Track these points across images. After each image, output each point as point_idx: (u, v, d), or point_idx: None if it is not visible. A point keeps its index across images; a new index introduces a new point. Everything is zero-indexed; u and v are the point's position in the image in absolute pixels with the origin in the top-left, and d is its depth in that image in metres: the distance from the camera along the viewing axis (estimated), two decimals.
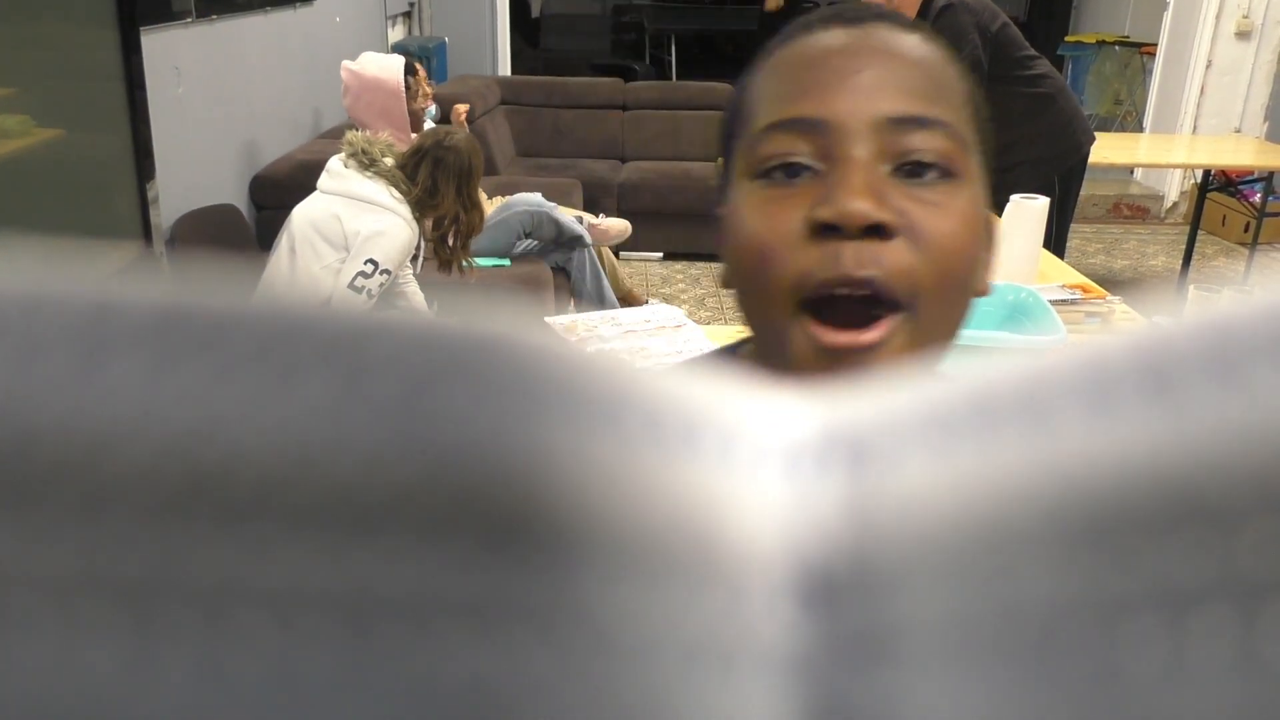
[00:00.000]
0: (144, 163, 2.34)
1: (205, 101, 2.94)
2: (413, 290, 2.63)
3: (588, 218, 3.59)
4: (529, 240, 3.33)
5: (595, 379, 0.15)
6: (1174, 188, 5.71)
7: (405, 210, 2.44)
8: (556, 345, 0.15)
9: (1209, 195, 4.49)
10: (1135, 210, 5.77)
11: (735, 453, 0.15)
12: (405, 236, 2.44)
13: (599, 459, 0.14)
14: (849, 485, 0.15)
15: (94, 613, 0.13)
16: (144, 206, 2.35)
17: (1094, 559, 0.14)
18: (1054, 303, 1.63)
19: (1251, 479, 0.13)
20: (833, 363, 0.51)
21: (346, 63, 3.18)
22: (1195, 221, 4.42)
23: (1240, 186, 4.59)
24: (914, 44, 0.54)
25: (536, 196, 3.38)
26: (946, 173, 0.52)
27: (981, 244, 0.54)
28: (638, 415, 0.15)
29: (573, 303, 3.37)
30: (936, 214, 0.51)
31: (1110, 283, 2.82)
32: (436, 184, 2.46)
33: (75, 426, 0.13)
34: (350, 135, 2.50)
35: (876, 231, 0.49)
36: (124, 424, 0.13)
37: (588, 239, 3.40)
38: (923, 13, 2.80)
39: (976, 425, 0.15)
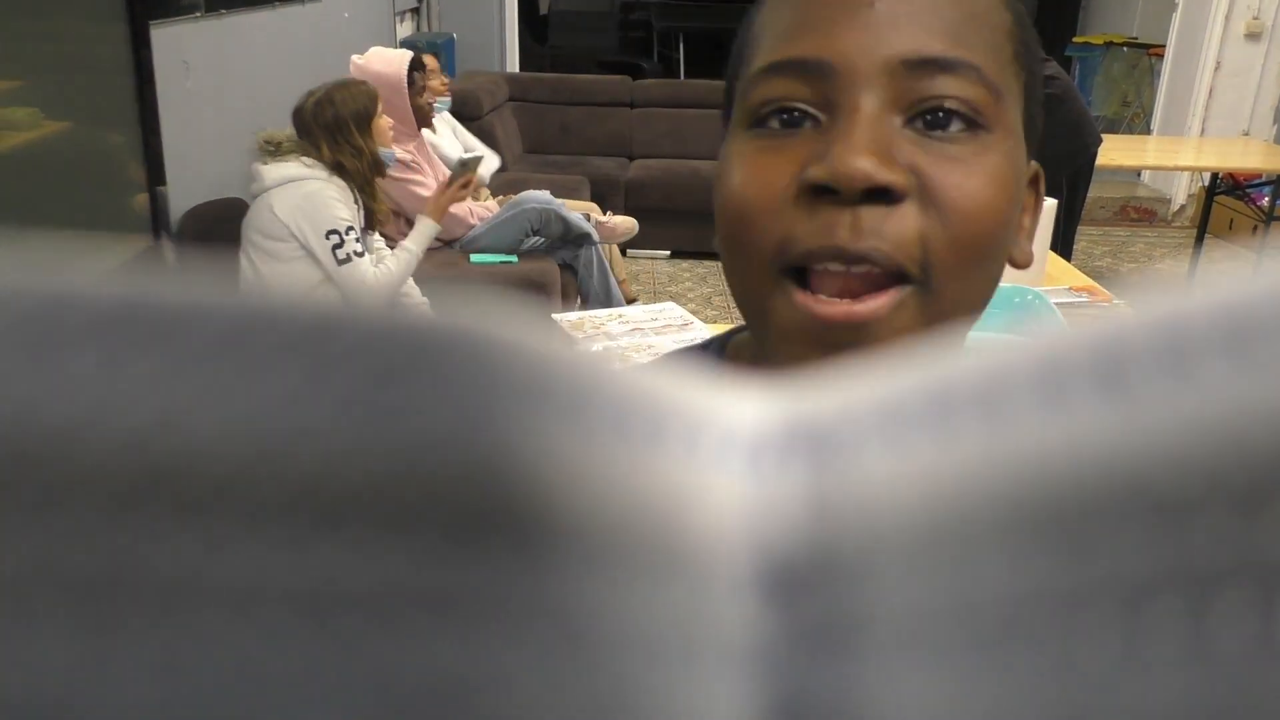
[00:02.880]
0: (152, 156, 2.35)
1: (214, 96, 2.94)
2: (391, 258, 2.61)
3: (595, 215, 3.59)
4: (536, 237, 3.34)
5: (561, 372, 0.15)
6: (1181, 190, 5.69)
7: (320, 170, 2.44)
8: (522, 339, 0.15)
9: (1216, 198, 4.48)
10: (1142, 213, 5.75)
11: (699, 446, 0.15)
12: (328, 190, 2.43)
13: (564, 452, 0.14)
14: (811, 478, 0.15)
15: (51, 608, 0.13)
16: (152, 200, 2.37)
17: (1050, 551, 0.14)
18: (1060, 305, 1.62)
19: (1203, 471, 0.13)
20: (825, 338, 0.43)
21: (355, 58, 3.19)
22: (1203, 225, 4.41)
23: (1248, 190, 4.58)
24: None
25: (545, 194, 3.39)
26: (973, 124, 0.43)
27: (1015, 205, 0.45)
28: (603, 408, 0.15)
29: (579, 299, 3.37)
30: (958, 171, 0.43)
31: (1117, 285, 2.80)
32: (315, 142, 2.46)
33: (30, 420, 0.13)
34: (257, 136, 2.51)
35: (881, 195, 0.42)
36: (81, 417, 0.13)
37: (595, 236, 3.40)
38: None
39: (933, 417, 0.15)
